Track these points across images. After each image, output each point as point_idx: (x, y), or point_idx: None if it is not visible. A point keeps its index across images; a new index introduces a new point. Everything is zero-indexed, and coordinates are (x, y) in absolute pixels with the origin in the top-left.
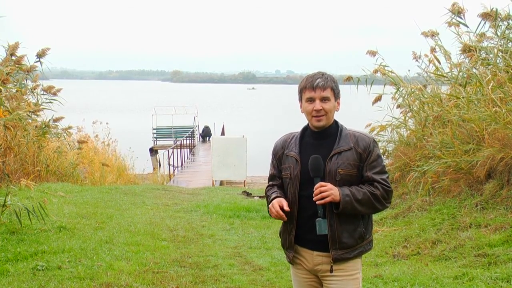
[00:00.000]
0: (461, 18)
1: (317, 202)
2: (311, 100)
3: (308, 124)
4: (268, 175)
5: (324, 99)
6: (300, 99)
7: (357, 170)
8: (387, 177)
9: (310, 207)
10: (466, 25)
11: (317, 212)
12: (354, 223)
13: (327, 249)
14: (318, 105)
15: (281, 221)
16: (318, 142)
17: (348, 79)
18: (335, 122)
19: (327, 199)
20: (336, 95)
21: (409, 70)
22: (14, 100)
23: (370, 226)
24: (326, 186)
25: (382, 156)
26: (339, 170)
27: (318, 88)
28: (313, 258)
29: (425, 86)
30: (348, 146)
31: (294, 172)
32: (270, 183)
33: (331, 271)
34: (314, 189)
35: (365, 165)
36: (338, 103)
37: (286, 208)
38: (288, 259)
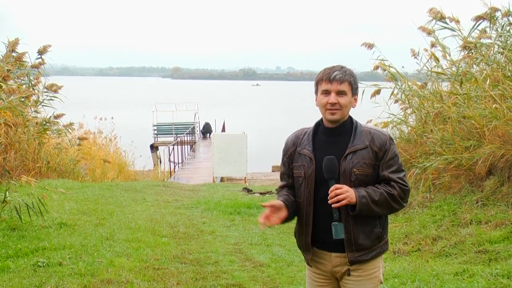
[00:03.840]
0: (445, 23)
1: (332, 206)
2: (326, 92)
3: (321, 119)
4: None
5: (340, 93)
6: (316, 92)
7: (372, 169)
8: (404, 175)
9: (326, 208)
10: (451, 29)
11: (333, 215)
12: (371, 224)
13: (345, 249)
14: (333, 98)
15: (296, 220)
16: (332, 140)
17: None
18: (350, 118)
19: (343, 202)
20: (354, 90)
21: (403, 67)
22: (14, 94)
23: (386, 226)
24: (341, 188)
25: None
26: (354, 169)
27: (335, 81)
28: (332, 259)
29: (425, 83)
30: (364, 145)
31: (308, 171)
32: (281, 183)
33: (348, 274)
34: (329, 191)
35: (381, 164)
36: (355, 99)
37: (268, 204)
38: (306, 261)
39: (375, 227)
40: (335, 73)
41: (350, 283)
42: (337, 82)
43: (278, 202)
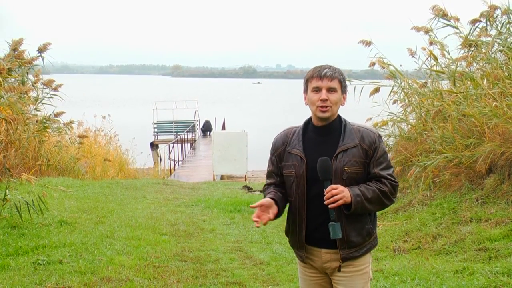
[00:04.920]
0: (447, 20)
1: (329, 206)
2: (317, 89)
3: (310, 118)
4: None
5: (331, 90)
6: (306, 90)
7: (363, 167)
8: (393, 171)
9: (317, 206)
10: (453, 27)
11: (325, 211)
12: (362, 221)
13: (335, 246)
14: (324, 95)
15: (285, 219)
16: (322, 138)
17: None
18: (339, 116)
19: (340, 202)
20: (343, 88)
21: (401, 65)
22: (14, 92)
23: (376, 222)
24: (337, 188)
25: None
26: (346, 168)
27: (326, 78)
28: (321, 256)
29: (425, 83)
30: (354, 143)
31: (299, 171)
32: (268, 181)
33: (339, 270)
34: (325, 192)
35: (372, 162)
36: (344, 98)
37: (258, 204)
38: (300, 258)
39: (366, 223)
40: (325, 70)
41: (342, 279)
42: (328, 78)
43: (266, 200)
